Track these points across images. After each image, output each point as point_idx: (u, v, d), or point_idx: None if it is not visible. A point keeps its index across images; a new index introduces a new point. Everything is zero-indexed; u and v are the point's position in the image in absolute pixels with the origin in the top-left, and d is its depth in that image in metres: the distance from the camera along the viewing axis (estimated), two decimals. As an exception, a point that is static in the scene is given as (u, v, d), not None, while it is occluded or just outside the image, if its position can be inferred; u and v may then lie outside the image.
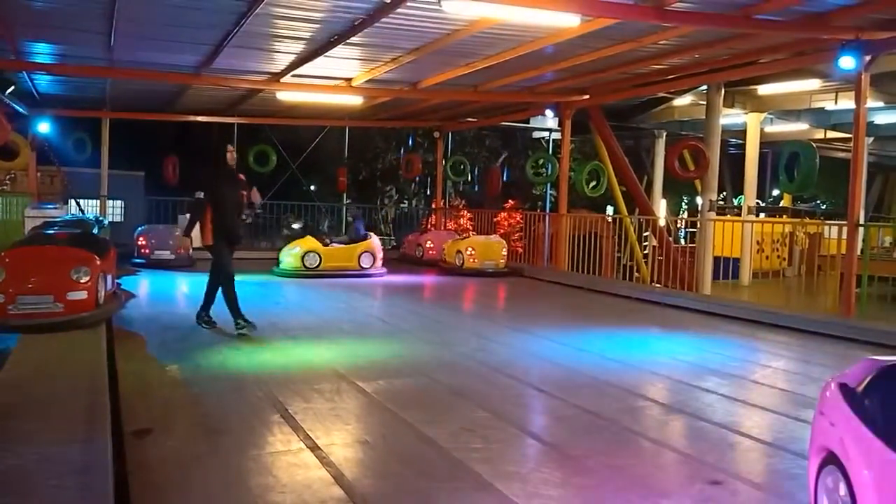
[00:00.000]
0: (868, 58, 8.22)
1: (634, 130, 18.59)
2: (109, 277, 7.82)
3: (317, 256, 12.41)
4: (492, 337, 7.75)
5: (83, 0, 8.09)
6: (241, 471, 3.69)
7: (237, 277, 7.20)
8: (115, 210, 18.55)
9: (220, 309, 7.25)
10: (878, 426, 2.71)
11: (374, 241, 13.14)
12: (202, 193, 6.86)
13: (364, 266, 12.69)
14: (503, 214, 20.10)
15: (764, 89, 13.73)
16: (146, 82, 12.78)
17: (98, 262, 7.24)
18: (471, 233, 16.63)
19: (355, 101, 13.80)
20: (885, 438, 2.61)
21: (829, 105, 13.99)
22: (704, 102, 13.63)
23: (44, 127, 14.06)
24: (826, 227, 14.37)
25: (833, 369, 3.25)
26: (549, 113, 13.89)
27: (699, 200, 15.55)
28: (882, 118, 15.45)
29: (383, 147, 24.91)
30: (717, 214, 14.33)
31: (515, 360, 6.59)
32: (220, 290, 7.11)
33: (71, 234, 8.65)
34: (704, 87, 13.06)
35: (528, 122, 18.61)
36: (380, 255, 13.05)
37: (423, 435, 4.31)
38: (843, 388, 3.03)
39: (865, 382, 2.97)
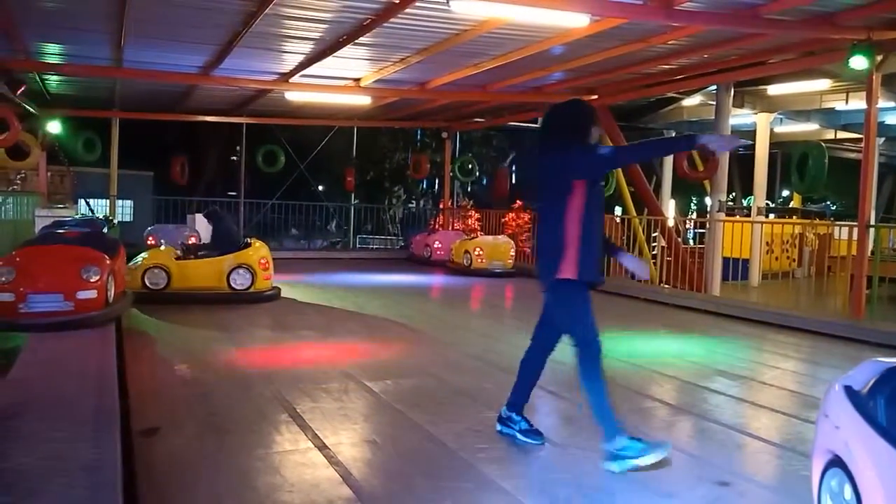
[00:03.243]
0: (879, 58, 8.17)
1: (643, 131, 18.52)
2: (119, 277, 7.85)
3: (164, 273, 9.20)
4: (499, 337, 7.75)
5: (93, 0, 8.14)
6: (248, 470, 3.70)
7: None
8: (124, 210, 18.67)
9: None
10: (884, 428, 2.69)
11: (259, 250, 9.63)
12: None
13: (237, 286, 9.34)
14: (511, 215, 20.07)
15: (773, 89, 13.66)
16: (155, 82, 12.84)
17: (108, 262, 7.26)
18: (479, 233, 16.64)
19: (363, 101, 13.83)
20: (892, 440, 2.60)
21: (840, 105, 13.91)
22: (713, 103, 13.55)
23: (54, 127, 14.13)
24: (836, 228, 14.30)
25: (842, 371, 3.22)
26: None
27: (708, 201, 15.49)
28: (893, 118, 15.35)
29: (391, 147, 24.99)
30: (727, 215, 14.28)
31: (523, 361, 6.55)
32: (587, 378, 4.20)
33: (81, 233, 8.68)
34: (713, 87, 13.00)
35: (536, 123, 18.60)
36: (265, 270, 9.55)
37: (430, 435, 4.31)
38: (848, 390, 3.01)
39: (870, 384, 2.94)
